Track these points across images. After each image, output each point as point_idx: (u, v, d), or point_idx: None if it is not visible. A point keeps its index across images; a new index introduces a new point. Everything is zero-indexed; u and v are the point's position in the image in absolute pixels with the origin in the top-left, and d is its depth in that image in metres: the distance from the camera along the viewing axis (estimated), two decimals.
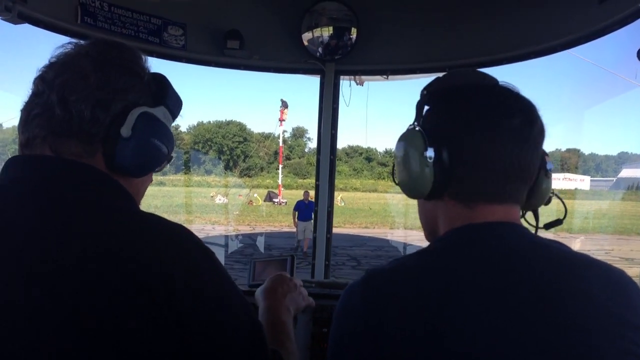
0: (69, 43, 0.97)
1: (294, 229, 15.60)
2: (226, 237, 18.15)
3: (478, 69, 1.03)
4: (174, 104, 1.06)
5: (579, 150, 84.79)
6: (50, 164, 0.91)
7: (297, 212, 15.10)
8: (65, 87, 0.90)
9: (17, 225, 0.82)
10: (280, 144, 46.12)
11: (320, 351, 1.99)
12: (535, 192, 0.96)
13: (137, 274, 0.79)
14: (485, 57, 2.72)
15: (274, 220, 25.88)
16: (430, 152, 0.90)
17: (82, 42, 0.98)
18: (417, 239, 16.71)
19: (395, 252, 16.26)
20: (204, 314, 0.86)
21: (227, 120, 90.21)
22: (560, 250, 0.88)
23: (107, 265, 0.78)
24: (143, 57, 1.03)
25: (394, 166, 1.03)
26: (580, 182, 71.05)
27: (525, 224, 0.98)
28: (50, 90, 0.90)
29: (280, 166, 45.47)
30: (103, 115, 0.92)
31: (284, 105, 39.45)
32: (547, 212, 1.08)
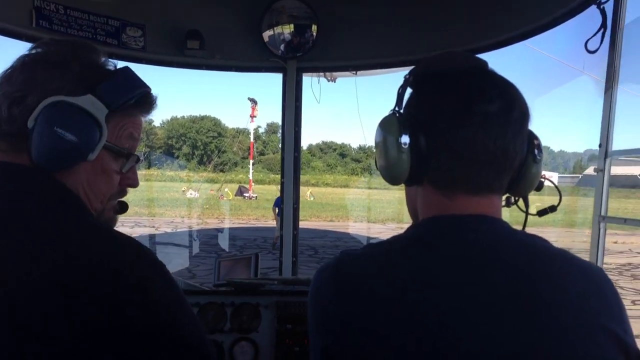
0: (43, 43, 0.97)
1: (262, 223, 15.56)
2: (191, 231, 18.18)
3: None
4: (112, 91, 0.96)
5: (549, 148, 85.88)
6: None
7: (277, 208, 14.30)
8: None
9: None
10: (251, 140, 45.89)
11: (285, 347, 2.02)
12: (523, 178, 0.92)
13: (81, 292, 0.78)
14: (456, 47, 2.69)
15: (242, 213, 26.30)
16: (405, 138, 0.87)
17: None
18: (377, 232, 17.99)
19: (354, 242, 16.58)
20: (152, 325, 0.86)
21: (202, 115, 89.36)
22: (537, 247, 0.85)
23: (47, 284, 0.77)
24: (96, 50, 0.99)
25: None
26: (549, 178, 72.18)
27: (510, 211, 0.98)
28: None
29: (251, 162, 45.75)
30: (17, 111, 0.90)
31: (253, 102, 40.13)
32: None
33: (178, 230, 18.35)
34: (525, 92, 0.93)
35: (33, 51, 0.96)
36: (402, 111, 0.93)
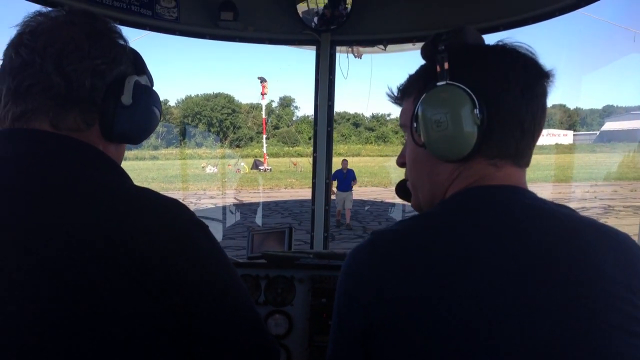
0: (39, 14, 0.95)
1: (275, 194, 15.67)
2: (217, 205, 19.92)
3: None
4: (150, 74, 1.07)
5: (564, 106, 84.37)
6: (49, 142, 0.90)
7: (335, 182, 13.93)
8: (61, 56, 0.89)
9: (8, 209, 0.82)
10: (264, 116, 48.88)
11: (320, 322, 2.02)
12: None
13: (136, 254, 0.80)
14: (485, 23, 2.66)
15: (257, 184, 29.12)
16: (477, 111, 0.88)
17: (54, 10, 0.96)
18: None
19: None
20: (203, 287, 0.88)
21: (215, 92, 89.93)
22: (565, 216, 0.87)
23: (101, 250, 0.78)
24: None
25: (414, 128, 0.97)
26: (564, 137, 71.12)
27: None
28: (43, 60, 0.88)
29: (264, 136, 48.81)
30: (100, 84, 0.93)
31: (263, 80, 43.29)
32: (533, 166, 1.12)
33: (201, 200, 20.87)
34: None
35: (77, 19, 0.95)
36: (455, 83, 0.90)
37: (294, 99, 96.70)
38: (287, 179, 31.20)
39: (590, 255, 0.82)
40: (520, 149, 0.92)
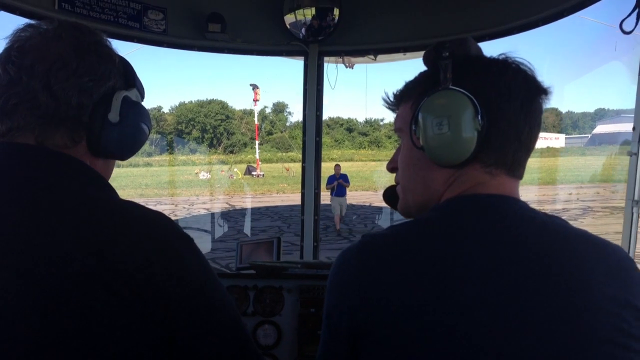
0: (29, 26, 0.94)
1: (267, 199, 15.55)
2: (210, 210, 20.24)
3: None
4: (141, 86, 1.06)
5: (556, 109, 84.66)
6: (35, 155, 0.90)
7: (333, 186, 13.92)
8: (49, 75, 0.88)
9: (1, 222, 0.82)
10: (256, 122, 50.62)
11: (308, 332, 2.02)
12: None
13: (120, 268, 0.80)
14: (474, 32, 2.70)
15: (250, 190, 29.45)
16: (480, 117, 0.88)
17: (45, 22, 0.95)
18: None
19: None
20: (188, 301, 0.88)
21: (209, 99, 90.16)
22: (557, 226, 0.87)
23: (91, 261, 0.79)
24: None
25: (413, 131, 0.96)
26: (555, 140, 71.21)
27: None
28: (30, 77, 0.88)
29: (257, 142, 50.41)
30: (88, 102, 0.92)
31: (255, 87, 44.41)
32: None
33: (194, 206, 21.31)
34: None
35: (66, 33, 0.94)
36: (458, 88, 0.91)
37: (287, 104, 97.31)
38: (279, 184, 31.35)
39: (581, 267, 0.82)
40: (516, 159, 0.93)
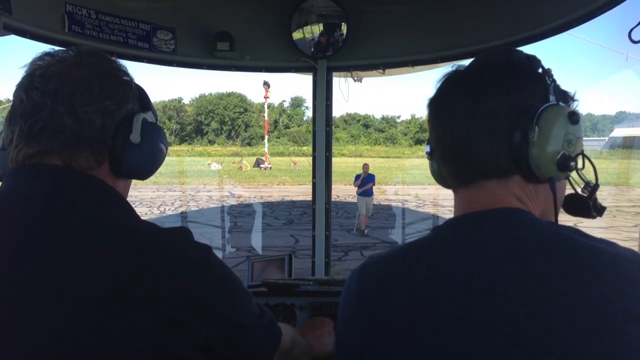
0: (47, 54, 0.97)
1: (267, 189, 16.04)
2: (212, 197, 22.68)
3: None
4: (154, 108, 1.10)
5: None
6: (64, 176, 0.93)
7: (359, 185, 13.69)
8: (72, 99, 0.92)
9: (28, 242, 0.84)
10: (266, 118, 56.13)
11: None
12: (524, 161, 0.89)
13: (145, 289, 0.83)
14: (477, 46, 2.68)
15: (253, 181, 32.02)
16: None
17: (61, 51, 0.99)
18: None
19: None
20: (220, 306, 0.92)
21: (228, 92, 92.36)
22: (561, 240, 0.82)
23: (116, 286, 0.81)
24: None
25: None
26: None
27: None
28: (54, 102, 0.91)
29: (267, 137, 54.82)
30: (110, 124, 0.96)
31: (267, 85, 46.97)
32: None
33: (199, 192, 23.94)
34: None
35: (86, 60, 0.98)
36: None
37: (304, 99, 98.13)
38: (282, 177, 33.04)
39: (579, 279, 0.77)
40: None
